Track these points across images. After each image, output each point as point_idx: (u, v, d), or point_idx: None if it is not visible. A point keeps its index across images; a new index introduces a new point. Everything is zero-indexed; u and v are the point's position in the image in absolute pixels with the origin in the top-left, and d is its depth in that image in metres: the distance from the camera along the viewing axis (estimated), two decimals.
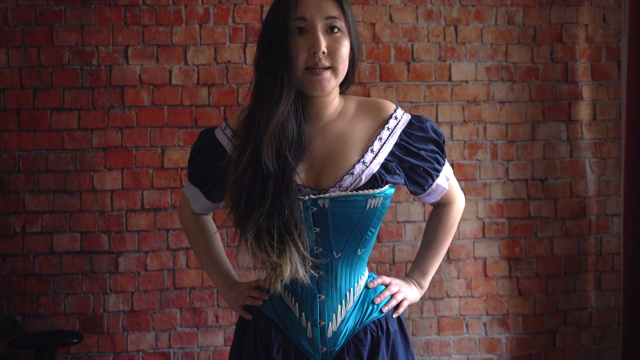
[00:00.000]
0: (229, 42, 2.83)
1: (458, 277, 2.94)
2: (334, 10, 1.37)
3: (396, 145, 1.44)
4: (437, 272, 2.90)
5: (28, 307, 2.75)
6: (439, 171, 1.49)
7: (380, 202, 1.42)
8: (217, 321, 2.84)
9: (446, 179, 1.54)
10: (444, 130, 2.92)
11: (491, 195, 2.96)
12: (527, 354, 2.97)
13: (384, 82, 2.90)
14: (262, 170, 1.34)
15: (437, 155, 1.48)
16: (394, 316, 1.52)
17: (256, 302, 1.50)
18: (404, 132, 1.45)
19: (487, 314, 2.96)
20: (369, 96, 2.89)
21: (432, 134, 1.48)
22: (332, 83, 1.39)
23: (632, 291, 2.78)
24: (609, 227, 3.02)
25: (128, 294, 2.80)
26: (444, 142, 1.49)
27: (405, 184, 1.47)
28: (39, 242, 2.76)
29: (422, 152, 1.46)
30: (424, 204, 2.92)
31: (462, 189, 2.88)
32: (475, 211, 2.95)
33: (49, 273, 2.76)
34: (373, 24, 2.90)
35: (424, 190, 1.51)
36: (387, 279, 1.54)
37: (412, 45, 2.92)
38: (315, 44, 1.34)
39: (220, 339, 2.84)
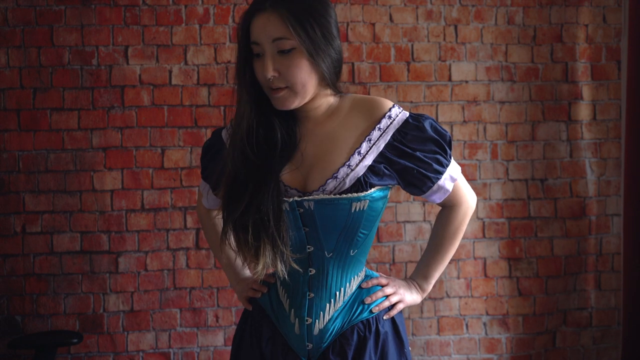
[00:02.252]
0: (229, 42, 2.83)
1: (458, 277, 2.94)
2: (279, 31, 1.33)
3: (387, 145, 1.39)
4: None
5: (28, 307, 2.75)
6: (439, 172, 1.42)
7: (367, 205, 1.39)
8: (217, 321, 2.84)
9: (451, 180, 1.45)
10: None
11: (491, 195, 2.96)
12: (527, 354, 2.97)
13: (384, 82, 2.90)
14: (241, 173, 1.40)
15: (437, 156, 1.41)
16: (385, 318, 1.49)
17: (256, 294, 1.56)
18: (397, 131, 1.39)
19: (487, 314, 2.96)
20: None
21: (432, 133, 1.40)
22: (292, 99, 1.38)
23: (632, 291, 2.78)
24: (609, 227, 3.02)
25: (128, 294, 2.80)
26: (449, 141, 1.42)
27: (399, 184, 1.43)
28: (39, 242, 2.76)
29: (418, 153, 1.39)
30: (424, 204, 2.92)
31: None
32: (475, 211, 2.95)
33: (49, 273, 2.76)
34: (373, 24, 2.90)
35: (423, 192, 1.44)
36: (384, 280, 1.51)
37: (412, 45, 2.92)
38: (264, 69, 1.35)
39: (220, 339, 2.84)
